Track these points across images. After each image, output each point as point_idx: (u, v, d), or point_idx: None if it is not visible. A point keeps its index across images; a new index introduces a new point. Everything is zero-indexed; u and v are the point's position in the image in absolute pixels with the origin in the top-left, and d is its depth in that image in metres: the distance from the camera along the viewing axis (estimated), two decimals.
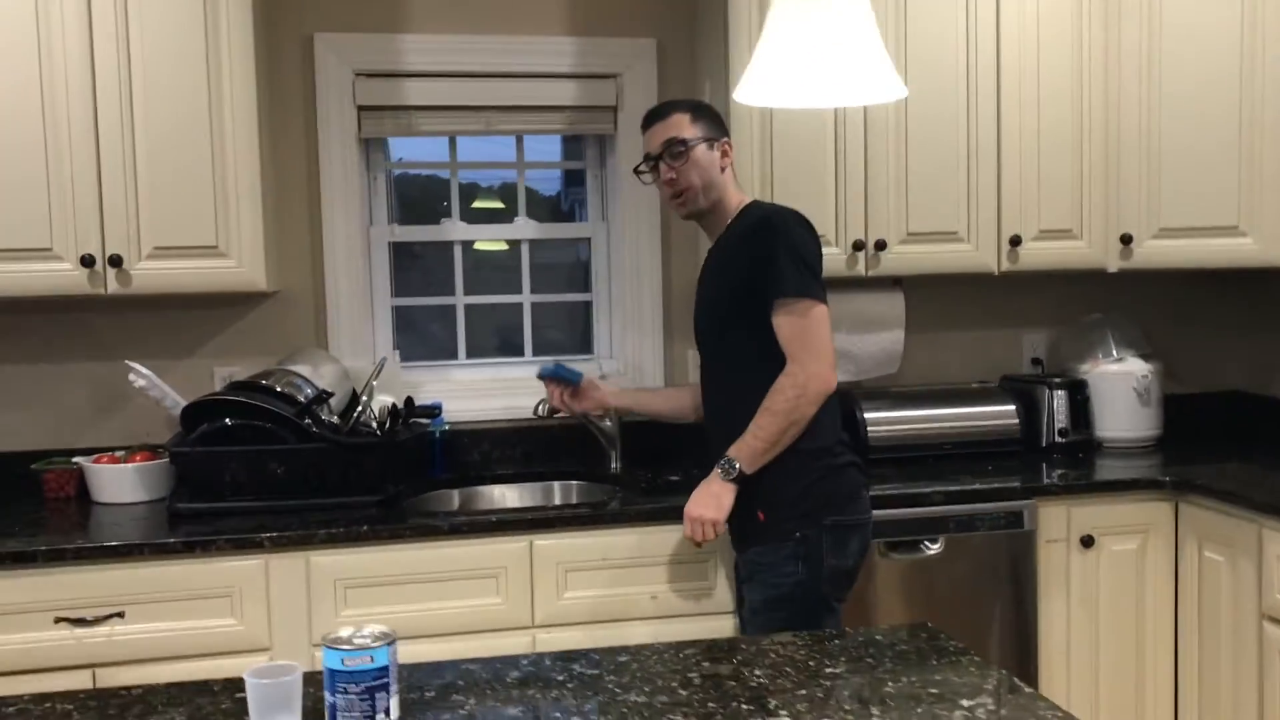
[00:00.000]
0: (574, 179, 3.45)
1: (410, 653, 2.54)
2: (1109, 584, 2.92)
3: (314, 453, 2.73)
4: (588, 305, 3.44)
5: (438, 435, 3.12)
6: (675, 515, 2.67)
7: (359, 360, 3.16)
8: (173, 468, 2.91)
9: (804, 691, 1.56)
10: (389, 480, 2.81)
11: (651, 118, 2.58)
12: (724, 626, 2.71)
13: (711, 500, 2.42)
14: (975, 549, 2.84)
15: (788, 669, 1.66)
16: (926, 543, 2.80)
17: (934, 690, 1.56)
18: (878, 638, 1.80)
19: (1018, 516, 2.84)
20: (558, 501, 3.11)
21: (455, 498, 3.07)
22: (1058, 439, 3.28)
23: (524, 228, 3.38)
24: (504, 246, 3.38)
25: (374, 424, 2.87)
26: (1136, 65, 3.13)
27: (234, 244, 2.79)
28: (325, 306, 3.18)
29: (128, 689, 1.63)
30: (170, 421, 3.07)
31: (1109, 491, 2.92)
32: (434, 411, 3.01)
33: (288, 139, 3.12)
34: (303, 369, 2.91)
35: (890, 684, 1.59)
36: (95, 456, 2.90)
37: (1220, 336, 3.66)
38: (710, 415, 2.60)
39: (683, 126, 2.51)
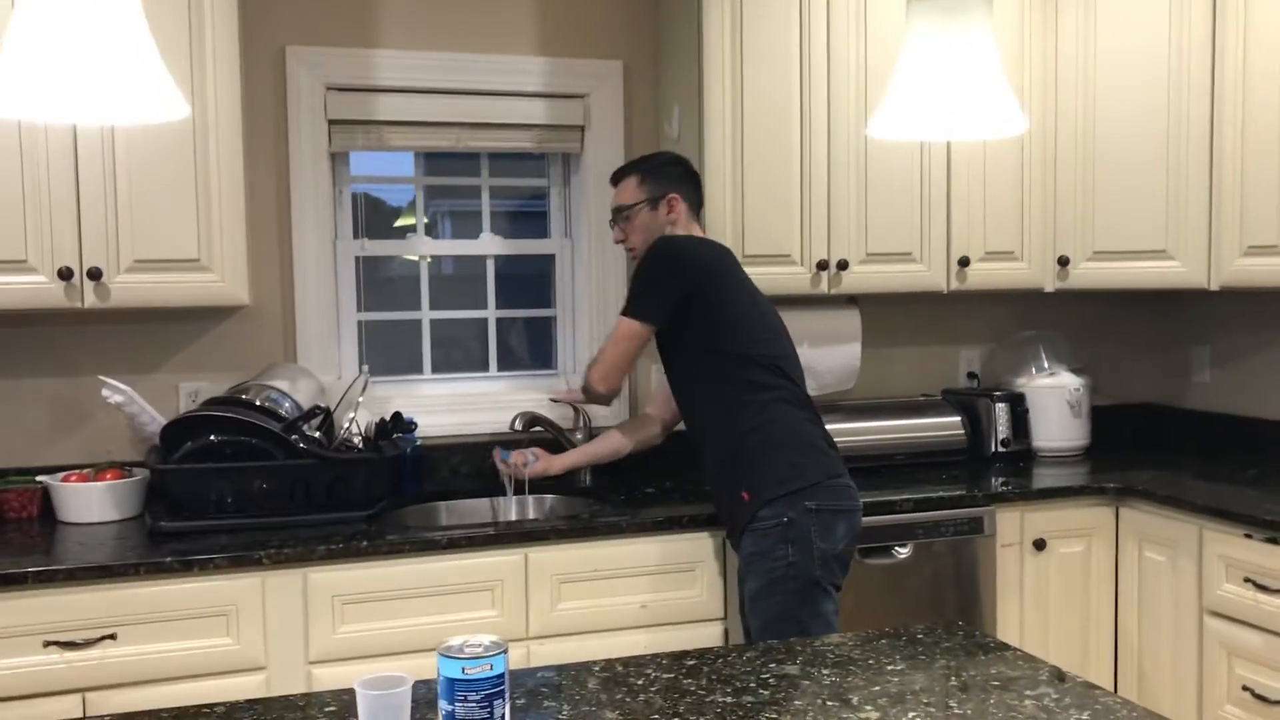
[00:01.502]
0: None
1: (408, 667, 2.58)
2: (1058, 584, 3.11)
3: (302, 469, 2.71)
4: (545, 320, 3.49)
5: (408, 451, 3.12)
6: (667, 526, 2.78)
7: (326, 375, 3.14)
8: (144, 486, 2.84)
9: (878, 688, 1.66)
10: (375, 496, 2.81)
11: (613, 180, 2.88)
12: (713, 633, 2.79)
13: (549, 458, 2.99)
14: (940, 553, 2.99)
15: (853, 668, 1.75)
16: (897, 548, 2.94)
17: (996, 682, 1.68)
18: (920, 636, 1.91)
19: (979, 522, 3.01)
20: (532, 516, 3.15)
21: (437, 512, 3.08)
22: (1000, 448, 3.48)
23: (489, 243, 3.41)
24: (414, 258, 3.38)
25: (356, 439, 2.86)
26: (1073, 94, 3.35)
27: (216, 258, 2.76)
28: (294, 321, 3.15)
29: (127, 716, 1.58)
30: (135, 438, 3.00)
31: (1058, 498, 3.11)
32: (412, 426, 3.01)
33: (257, 151, 3.08)
34: (280, 384, 2.88)
35: (953, 679, 1.70)
36: (62, 475, 2.81)
37: (1134, 352, 3.92)
38: (697, 444, 2.75)
39: (628, 193, 2.82)
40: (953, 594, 3.01)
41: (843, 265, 3.21)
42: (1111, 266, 3.37)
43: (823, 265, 3.20)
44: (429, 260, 3.38)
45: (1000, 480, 3.21)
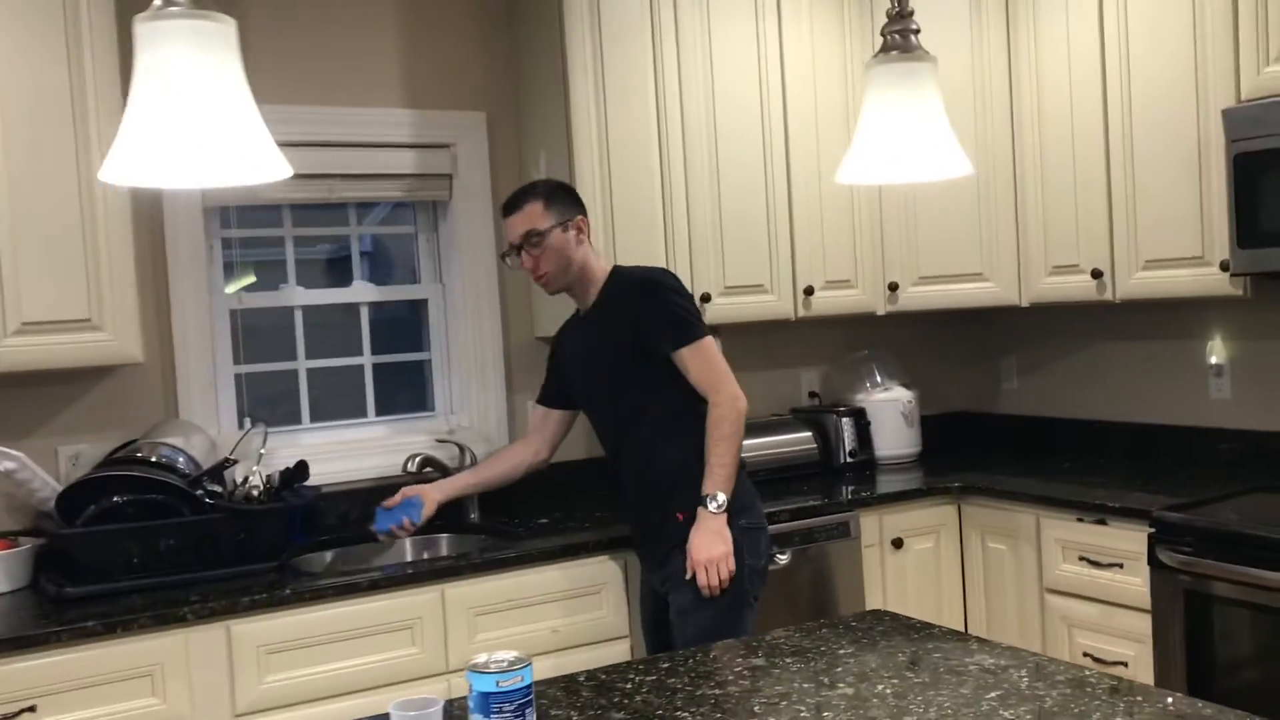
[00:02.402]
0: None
1: (336, 710, 2.62)
2: (914, 578, 3.43)
3: (211, 524, 2.70)
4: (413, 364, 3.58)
5: (311, 500, 3.13)
6: (574, 552, 2.92)
7: (210, 430, 3.12)
8: (33, 554, 2.75)
9: (840, 669, 1.87)
10: (280, 546, 2.82)
11: (509, 208, 2.80)
12: (621, 650, 2.94)
13: (715, 538, 2.64)
14: (814, 557, 3.26)
15: (810, 655, 1.96)
16: (778, 555, 3.18)
17: (937, 654, 1.92)
18: (853, 624, 2.13)
19: (846, 526, 3.30)
20: (426, 556, 3.22)
21: (338, 559, 3.10)
22: (848, 459, 3.80)
23: (361, 290, 3.47)
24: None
25: (255, 491, 2.87)
26: None
27: (107, 316, 2.73)
28: (174, 377, 3.12)
29: None
30: (10, 507, 2.90)
31: (909, 499, 3.44)
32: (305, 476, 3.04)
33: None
34: (174, 440, 2.86)
35: (900, 655, 1.93)
36: None
37: (951, 365, 4.34)
38: (635, 466, 2.80)
39: (536, 217, 2.74)
40: (827, 593, 3.28)
41: (705, 298, 3.45)
42: (935, 290, 3.76)
43: None
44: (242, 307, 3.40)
45: (854, 488, 3.51)
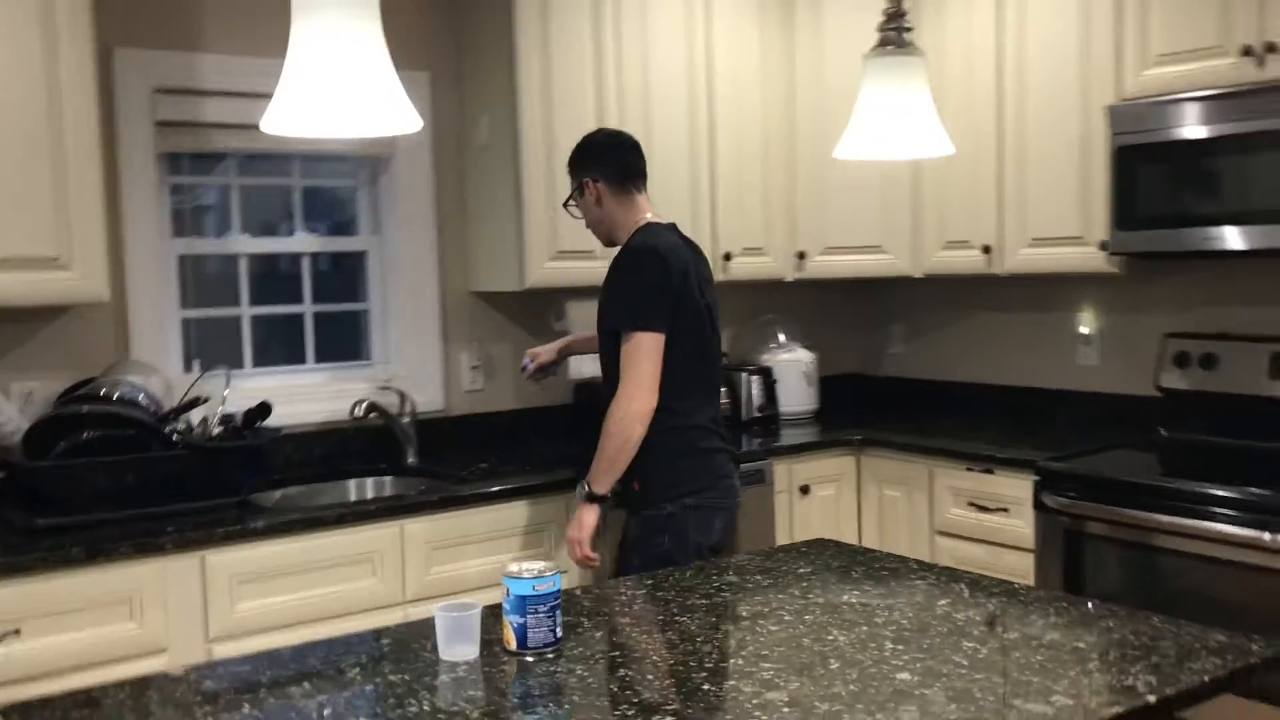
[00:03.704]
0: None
1: (302, 636, 2.78)
2: (817, 521, 3.75)
3: (179, 459, 2.80)
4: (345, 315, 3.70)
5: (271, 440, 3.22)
6: (524, 494, 3.12)
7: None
8: None
9: (805, 583, 2.14)
10: (240, 483, 2.94)
11: None
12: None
13: (575, 523, 2.84)
14: None
15: (775, 573, 2.22)
16: None
17: (885, 571, 2.21)
18: (804, 550, 2.41)
19: (761, 474, 3.59)
20: (370, 495, 3.37)
21: (292, 497, 3.22)
22: (756, 414, 4.09)
23: (303, 241, 3.57)
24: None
25: (215, 430, 2.97)
26: (808, 104, 4.00)
27: (75, 255, 2.78)
28: (125, 320, 3.17)
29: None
30: None
31: (814, 450, 3.76)
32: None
33: None
34: (133, 379, 2.93)
35: (853, 572, 2.21)
36: None
37: (843, 330, 4.68)
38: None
39: (569, 186, 3.00)
40: (743, 535, 3.56)
41: None
42: (839, 259, 4.07)
43: None
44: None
45: (761, 440, 3.81)
